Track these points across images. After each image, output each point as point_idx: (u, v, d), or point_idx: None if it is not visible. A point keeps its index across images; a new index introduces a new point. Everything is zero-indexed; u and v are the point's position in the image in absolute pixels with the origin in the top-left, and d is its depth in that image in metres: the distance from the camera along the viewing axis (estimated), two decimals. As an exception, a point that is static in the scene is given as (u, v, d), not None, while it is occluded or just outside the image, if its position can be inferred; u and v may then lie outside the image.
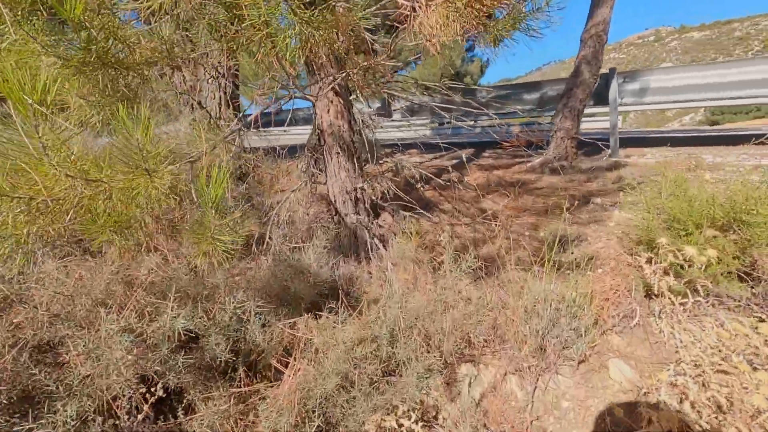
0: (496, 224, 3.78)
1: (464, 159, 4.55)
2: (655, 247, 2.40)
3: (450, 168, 4.58)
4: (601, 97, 5.96)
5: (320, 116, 3.38)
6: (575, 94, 5.11)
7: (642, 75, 5.69)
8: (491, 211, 4.15)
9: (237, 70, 5.04)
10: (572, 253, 3.03)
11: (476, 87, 6.74)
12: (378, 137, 3.93)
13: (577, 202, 3.97)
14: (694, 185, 2.59)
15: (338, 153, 3.36)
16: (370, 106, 5.70)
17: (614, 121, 5.72)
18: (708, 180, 2.64)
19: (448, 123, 7.38)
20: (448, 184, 4.45)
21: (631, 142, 6.64)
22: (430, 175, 3.84)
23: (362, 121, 3.50)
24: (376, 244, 3.33)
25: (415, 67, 23.47)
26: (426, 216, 3.88)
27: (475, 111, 4.70)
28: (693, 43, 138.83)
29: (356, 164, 3.45)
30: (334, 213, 3.57)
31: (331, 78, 2.97)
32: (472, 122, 7.07)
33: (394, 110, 8.11)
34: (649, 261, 2.38)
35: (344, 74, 2.84)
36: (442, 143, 4.69)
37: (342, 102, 3.32)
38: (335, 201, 3.51)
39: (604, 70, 5.42)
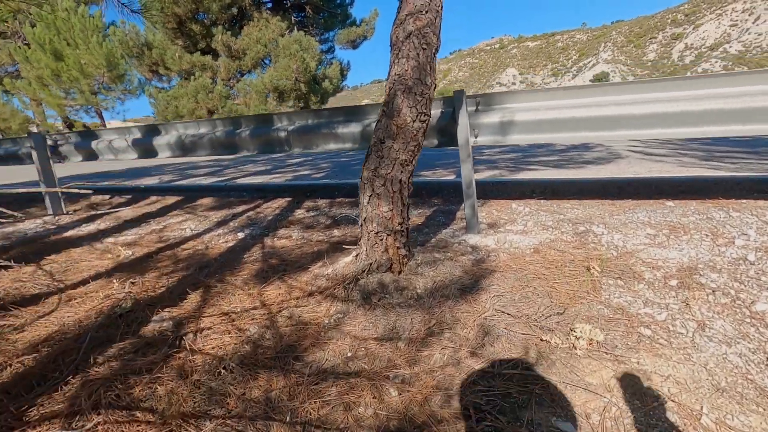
0: None
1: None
2: None
3: None
4: (445, 133, 2.88)
5: None
6: (391, 151, 1.82)
7: (508, 100, 2.75)
8: None
9: None
10: None
11: (275, 113, 2.86)
12: None
13: None
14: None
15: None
16: None
17: (468, 176, 2.67)
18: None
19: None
20: None
21: (493, 189, 3.74)
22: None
23: None
24: None
25: (266, 70, 19.37)
26: None
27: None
28: (529, 51, 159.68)
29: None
30: None
31: None
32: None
33: (158, 145, 4.10)
34: None
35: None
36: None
37: None
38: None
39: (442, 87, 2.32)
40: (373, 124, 3.08)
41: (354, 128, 3.12)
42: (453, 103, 2.71)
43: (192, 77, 16.97)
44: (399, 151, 1.74)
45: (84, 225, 3.94)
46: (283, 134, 3.37)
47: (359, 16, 22.20)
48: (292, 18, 19.86)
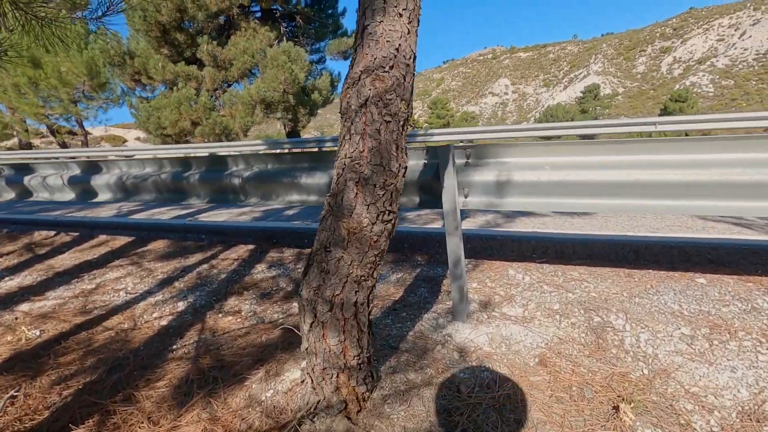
0: None
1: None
2: None
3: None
4: (429, 191, 2.36)
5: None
6: (341, 264, 1.18)
7: (505, 153, 2.22)
8: None
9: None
10: None
11: (231, 155, 2.25)
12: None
13: None
14: None
15: None
16: None
17: (456, 252, 2.15)
18: None
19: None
20: None
21: (485, 246, 3.22)
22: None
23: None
24: None
25: (253, 81, 18.80)
26: None
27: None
28: (521, 62, 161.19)
29: None
30: None
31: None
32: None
33: (97, 185, 3.53)
34: None
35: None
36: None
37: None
38: None
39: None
40: (343, 175, 2.56)
41: (319, 178, 2.59)
42: (437, 154, 2.19)
43: (175, 88, 16.36)
44: (352, 264, 1.20)
45: (6, 278, 3.34)
46: (237, 181, 2.83)
47: (351, 26, 21.74)
48: (281, 28, 19.39)
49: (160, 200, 3.18)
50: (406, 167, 1.23)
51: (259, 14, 19.83)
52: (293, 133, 19.58)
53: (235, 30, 17.99)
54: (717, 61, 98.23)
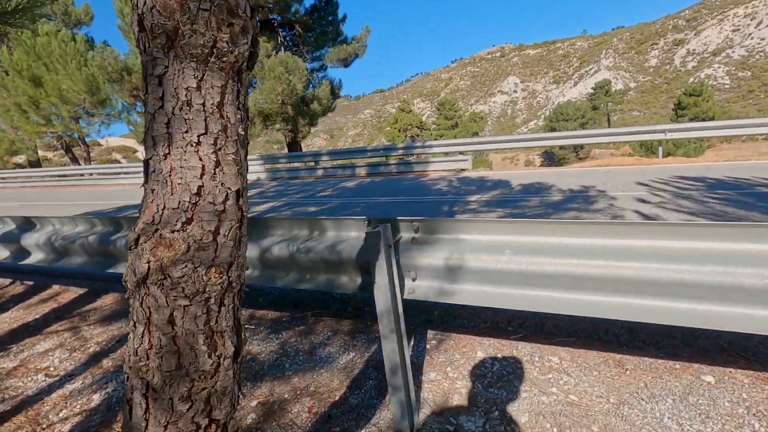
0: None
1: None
2: None
3: None
4: (360, 273, 1.96)
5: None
6: None
7: (465, 229, 1.82)
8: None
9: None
10: None
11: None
12: None
13: None
14: None
15: None
16: None
17: (393, 359, 1.73)
18: None
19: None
20: None
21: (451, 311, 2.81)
22: None
23: None
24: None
25: (251, 92, 18.61)
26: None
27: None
28: (530, 59, 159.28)
29: None
30: None
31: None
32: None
33: (28, 245, 3.22)
34: None
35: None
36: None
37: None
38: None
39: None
40: (277, 246, 2.18)
41: (249, 250, 2.21)
42: (384, 234, 1.78)
43: (172, 102, 16.23)
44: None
45: (-69, 351, 3.03)
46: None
47: (350, 33, 21.40)
48: (279, 37, 19.15)
49: (90, 266, 2.84)
50: (234, 355, 0.84)
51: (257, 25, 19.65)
52: (293, 144, 19.32)
53: (233, 42, 17.79)
54: (733, 52, 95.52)
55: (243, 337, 0.88)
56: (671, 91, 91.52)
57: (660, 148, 9.69)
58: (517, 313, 2.58)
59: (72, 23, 25.37)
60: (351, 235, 2.03)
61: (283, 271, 2.22)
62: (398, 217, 1.89)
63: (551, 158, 47.76)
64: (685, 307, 1.50)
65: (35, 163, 25.04)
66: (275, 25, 19.88)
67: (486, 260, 1.72)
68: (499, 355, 2.23)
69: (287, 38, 20.85)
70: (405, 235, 1.94)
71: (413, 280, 1.90)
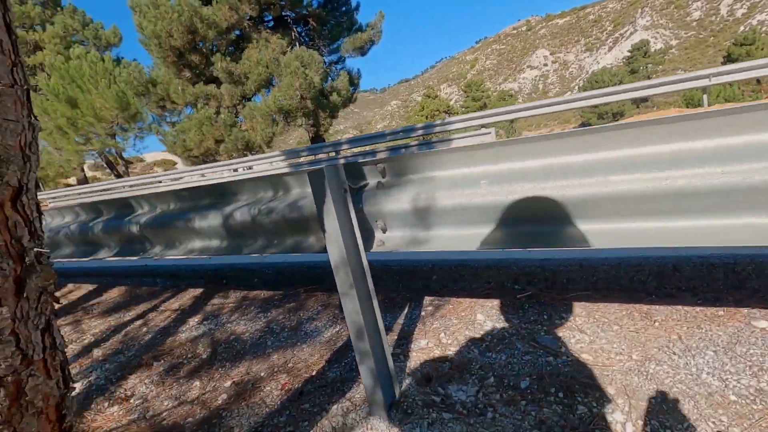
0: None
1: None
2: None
3: None
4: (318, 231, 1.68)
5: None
6: None
7: (435, 163, 1.52)
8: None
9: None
10: None
11: (135, 196, 1.80)
12: None
13: None
14: None
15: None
16: None
17: (356, 321, 1.47)
18: None
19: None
20: None
21: (454, 273, 2.51)
22: None
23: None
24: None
25: (270, 91, 18.79)
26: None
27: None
28: (559, 29, 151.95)
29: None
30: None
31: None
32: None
33: None
34: None
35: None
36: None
37: None
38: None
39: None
40: (239, 211, 1.96)
41: (213, 219, 2.02)
42: (314, 181, 1.51)
43: (195, 109, 16.63)
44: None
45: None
46: (135, 229, 2.33)
47: (365, 20, 21.07)
48: (293, 33, 19.13)
49: (77, 254, 2.77)
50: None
51: (271, 23, 19.71)
52: (317, 139, 19.31)
53: (248, 43, 17.95)
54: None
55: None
56: (719, 44, 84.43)
57: (705, 97, 8.73)
58: (523, 270, 2.23)
59: (102, 46, 26.65)
60: (295, 192, 1.78)
61: (252, 239, 2.01)
62: (361, 160, 1.63)
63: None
64: (722, 223, 1.14)
65: (83, 182, 26.63)
66: (289, 21, 19.89)
67: (460, 196, 1.42)
68: (501, 317, 1.92)
69: (302, 34, 20.81)
70: (372, 181, 1.66)
71: (383, 231, 1.63)
